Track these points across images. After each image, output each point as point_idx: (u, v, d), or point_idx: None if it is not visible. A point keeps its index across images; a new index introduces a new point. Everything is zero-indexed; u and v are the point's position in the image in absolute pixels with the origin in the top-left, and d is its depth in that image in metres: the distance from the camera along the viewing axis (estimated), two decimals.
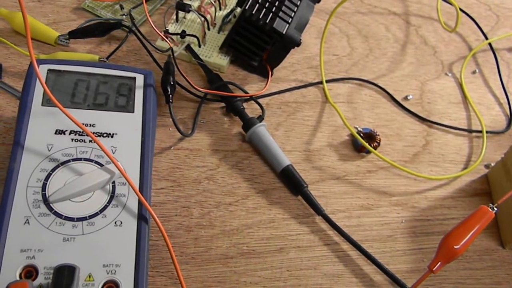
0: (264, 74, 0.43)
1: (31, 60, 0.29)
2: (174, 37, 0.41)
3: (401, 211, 0.38)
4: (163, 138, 0.37)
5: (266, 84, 0.42)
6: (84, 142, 0.30)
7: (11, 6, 0.41)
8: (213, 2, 0.43)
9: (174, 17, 0.43)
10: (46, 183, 0.28)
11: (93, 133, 0.30)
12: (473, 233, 0.30)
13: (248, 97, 0.40)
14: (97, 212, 0.28)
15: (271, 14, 0.38)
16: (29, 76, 0.31)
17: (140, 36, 0.39)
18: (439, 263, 0.30)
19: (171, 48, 0.38)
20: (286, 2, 0.39)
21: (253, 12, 0.38)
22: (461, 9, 0.49)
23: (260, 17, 0.38)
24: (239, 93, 0.40)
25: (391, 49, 0.49)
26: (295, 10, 0.39)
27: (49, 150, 0.29)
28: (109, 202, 0.29)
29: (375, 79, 0.45)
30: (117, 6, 0.43)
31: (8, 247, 0.26)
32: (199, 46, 0.42)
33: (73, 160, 0.29)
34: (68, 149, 0.29)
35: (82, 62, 0.34)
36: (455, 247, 0.29)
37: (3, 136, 0.34)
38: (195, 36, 0.41)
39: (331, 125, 0.41)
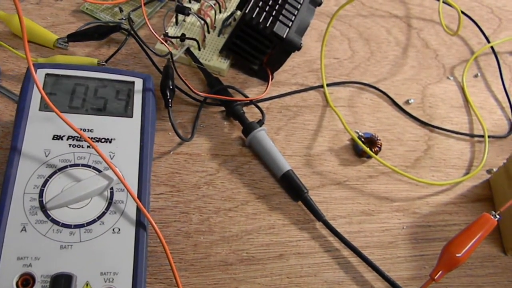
0: (264, 77, 0.42)
1: (28, 64, 0.28)
2: (173, 40, 0.41)
3: (402, 217, 0.37)
4: (162, 143, 0.37)
5: (266, 88, 0.41)
6: (82, 147, 0.30)
7: (9, 8, 0.41)
8: (213, 5, 0.42)
9: (174, 20, 0.43)
10: (43, 190, 0.28)
11: (91, 138, 0.30)
12: (475, 241, 0.30)
13: (248, 101, 0.40)
14: (94, 219, 0.28)
15: (271, 17, 0.38)
16: (27, 80, 0.31)
17: (139, 40, 0.39)
18: (441, 271, 0.30)
19: (170, 52, 0.37)
20: (287, 6, 0.39)
21: (254, 16, 0.38)
22: (462, 12, 0.49)
23: (261, 20, 0.38)
24: (239, 97, 0.39)
25: (392, 52, 0.48)
26: (295, 13, 0.39)
27: (46, 156, 0.29)
28: (107, 208, 0.28)
29: (376, 83, 0.45)
30: (116, 9, 0.43)
31: (5, 254, 0.25)
32: (199, 49, 0.41)
33: (71, 166, 0.29)
34: (66, 155, 0.29)
35: (80, 66, 0.34)
36: (457, 255, 0.29)
37: (1, 141, 0.34)
38: (194, 39, 0.41)
39: (332, 129, 0.41)
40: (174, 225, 0.33)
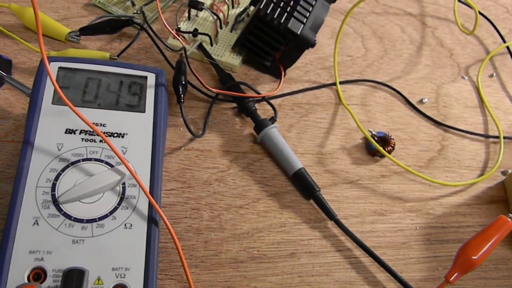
0: (276, 74, 0.42)
1: (42, 58, 0.28)
2: (186, 35, 0.40)
3: (416, 218, 0.37)
4: (174, 138, 0.36)
5: (278, 85, 0.41)
6: (95, 142, 0.29)
7: (21, 1, 0.41)
8: (226, 0, 0.42)
9: (186, 15, 0.42)
10: (55, 184, 0.27)
11: (104, 133, 0.30)
12: (492, 243, 0.29)
13: (260, 98, 0.39)
14: (106, 214, 0.27)
15: (285, 13, 0.38)
16: (40, 73, 0.31)
17: (152, 34, 0.38)
18: (456, 273, 0.29)
19: (184, 47, 0.37)
20: (301, 2, 0.38)
21: (268, 12, 0.37)
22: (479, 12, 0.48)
23: (275, 16, 0.37)
24: (251, 93, 0.39)
25: (407, 50, 0.48)
26: (310, 10, 0.39)
27: (59, 150, 0.29)
28: (119, 204, 0.28)
29: (389, 81, 0.44)
30: (129, 3, 0.43)
31: (17, 248, 0.25)
32: (211, 45, 0.41)
33: (83, 160, 0.29)
34: (78, 149, 0.29)
35: (93, 60, 0.33)
36: (473, 257, 0.29)
37: (13, 134, 0.34)
38: (207, 34, 0.40)
39: (345, 127, 0.40)
40: (185, 221, 0.33)
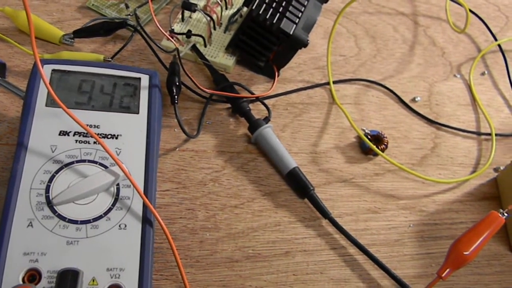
0: (270, 74, 0.42)
1: (35, 60, 0.28)
2: (179, 36, 0.41)
3: (409, 215, 0.37)
4: (168, 139, 0.37)
5: (272, 85, 0.41)
6: (89, 143, 0.30)
7: (15, 4, 0.41)
8: (219, 2, 0.42)
9: (180, 16, 0.42)
10: (49, 185, 0.28)
11: (98, 134, 0.30)
12: (483, 239, 0.29)
13: (254, 98, 0.40)
14: (101, 215, 0.28)
15: (278, 14, 0.38)
16: (33, 76, 0.31)
17: (145, 36, 0.39)
18: (448, 269, 0.29)
19: (177, 49, 0.37)
20: (294, 2, 0.39)
21: (260, 12, 0.38)
22: (470, 10, 0.49)
23: (267, 17, 0.38)
24: (245, 94, 0.39)
25: (399, 50, 0.48)
26: (302, 10, 0.39)
27: (53, 152, 0.29)
28: (114, 204, 0.28)
29: (382, 80, 0.45)
30: (122, 5, 0.43)
31: (11, 250, 0.25)
32: (205, 46, 0.41)
33: (77, 161, 0.29)
34: (72, 151, 0.29)
35: (87, 62, 0.34)
36: (464, 253, 0.29)
37: (7, 137, 0.34)
38: (201, 36, 0.40)
39: (338, 126, 0.41)
40: (180, 221, 0.33)
